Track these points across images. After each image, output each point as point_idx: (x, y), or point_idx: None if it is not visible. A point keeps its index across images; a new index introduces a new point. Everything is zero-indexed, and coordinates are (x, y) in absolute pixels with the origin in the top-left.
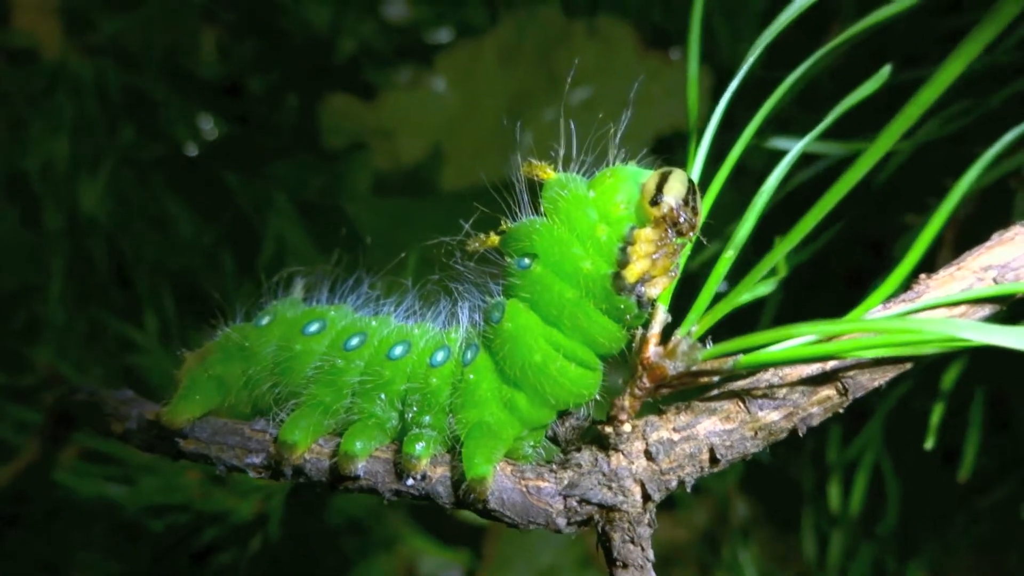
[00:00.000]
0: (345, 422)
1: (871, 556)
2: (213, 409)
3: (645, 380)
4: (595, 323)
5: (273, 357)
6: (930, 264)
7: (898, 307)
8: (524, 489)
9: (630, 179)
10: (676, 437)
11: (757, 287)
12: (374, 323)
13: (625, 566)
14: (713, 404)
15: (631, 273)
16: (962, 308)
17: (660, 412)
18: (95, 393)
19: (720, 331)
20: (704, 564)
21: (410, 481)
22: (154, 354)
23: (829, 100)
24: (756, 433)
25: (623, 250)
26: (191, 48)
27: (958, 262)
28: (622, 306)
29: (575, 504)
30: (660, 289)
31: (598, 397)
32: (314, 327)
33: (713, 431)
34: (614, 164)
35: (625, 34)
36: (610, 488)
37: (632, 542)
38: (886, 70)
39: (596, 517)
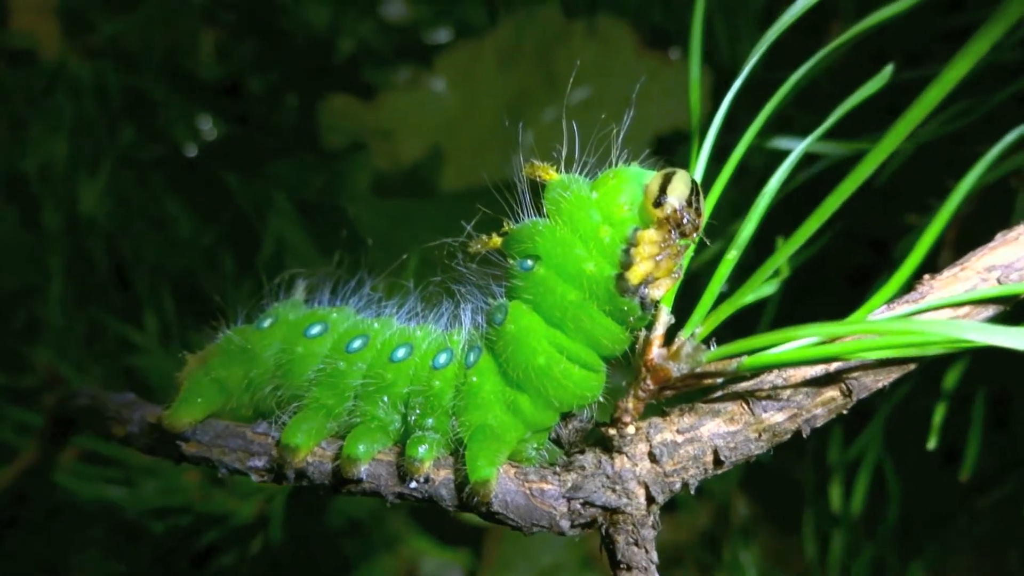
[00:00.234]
0: (348, 425)
1: (872, 556)
2: (215, 412)
3: (649, 382)
4: (598, 325)
5: (275, 360)
6: (931, 263)
7: (902, 308)
8: (528, 492)
9: (633, 180)
10: (680, 439)
11: (761, 288)
12: (376, 325)
13: (629, 568)
14: (717, 406)
15: (634, 275)
16: (966, 309)
17: (664, 414)
18: (96, 397)
19: (721, 331)
20: (705, 564)
21: (413, 484)
22: (154, 355)
23: (829, 100)
24: (760, 435)
25: (626, 251)
26: (191, 48)
27: (962, 262)
28: (625, 308)
29: (579, 507)
30: (663, 290)
31: (601, 399)
32: (316, 329)
33: (717, 433)
34: (616, 165)
35: (624, 34)
36: (614, 490)
37: (636, 544)
38: (888, 70)
39: (600, 520)
